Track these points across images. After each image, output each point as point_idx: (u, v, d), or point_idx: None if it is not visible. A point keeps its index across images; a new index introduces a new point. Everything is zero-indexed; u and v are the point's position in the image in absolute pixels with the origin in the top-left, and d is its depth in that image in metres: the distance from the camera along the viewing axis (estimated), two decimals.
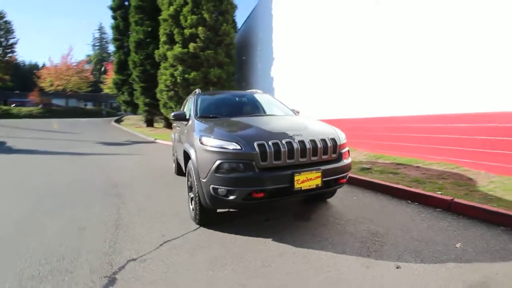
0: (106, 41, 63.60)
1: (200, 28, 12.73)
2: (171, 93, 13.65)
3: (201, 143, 2.48)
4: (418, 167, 4.81)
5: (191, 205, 2.99)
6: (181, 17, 13.19)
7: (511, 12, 3.97)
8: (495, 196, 3.21)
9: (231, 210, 3.16)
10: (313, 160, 2.43)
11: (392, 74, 5.97)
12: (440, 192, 3.38)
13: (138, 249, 2.34)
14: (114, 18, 20.48)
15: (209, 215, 2.67)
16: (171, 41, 13.86)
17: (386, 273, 1.89)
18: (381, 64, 6.27)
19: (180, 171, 5.21)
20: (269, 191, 2.26)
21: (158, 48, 14.50)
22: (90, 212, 3.30)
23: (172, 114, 3.50)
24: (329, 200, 3.49)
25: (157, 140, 13.73)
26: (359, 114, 6.78)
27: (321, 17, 8.61)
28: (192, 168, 2.63)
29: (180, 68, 13.16)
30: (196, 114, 3.36)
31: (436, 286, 1.73)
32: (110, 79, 38.50)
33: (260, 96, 4.25)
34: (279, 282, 1.83)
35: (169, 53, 13.19)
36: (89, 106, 43.75)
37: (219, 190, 2.30)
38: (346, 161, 2.65)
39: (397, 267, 1.95)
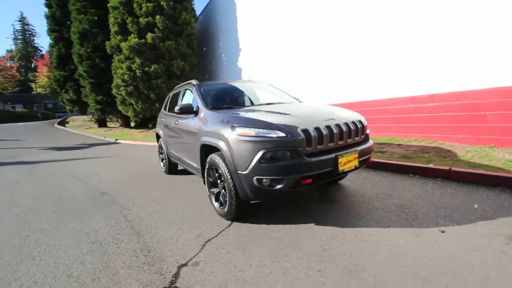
0: (30, 34, 55.07)
1: (157, 17, 11.83)
2: (130, 88, 12.53)
3: (237, 133, 2.34)
4: (400, 144, 5.29)
5: (215, 202, 2.83)
6: (135, 5, 12.09)
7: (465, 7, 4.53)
8: (477, 162, 3.71)
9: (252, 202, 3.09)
10: (348, 142, 2.49)
11: (366, 61, 6.38)
12: (432, 164, 3.79)
13: (181, 253, 2.14)
14: (49, 6, 17.76)
15: (244, 209, 2.56)
16: (124, 31, 12.63)
17: (437, 238, 2.06)
18: (354, 50, 6.63)
19: (173, 170, 4.88)
20: (316, 176, 2.25)
21: (109, 39, 13.08)
22: (94, 223, 2.90)
23: (178, 107, 3.21)
24: (340, 182, 3.64)
25: (119, 141, 12.56)
26: (337, 100, 7.13)
27: (291, 5, 8.68)
28: (223, 161, 2.48)
29: (138, 60, 12.11)
30: (207, 106, 3.15)
31: (484, 242, 1.95)
32: (42, 76, 33.60)
33: (261, 85, 4.16)
34: (350, 262, 1.86)
35: (123, 45, 12.01)
36: (19, 108, 37.81)
37: (264, 180, 2.21)
38: (371, 141, 2.79)
39: (442, 232, 2.15)
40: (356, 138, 2.58)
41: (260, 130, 2.26)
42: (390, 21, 5.81)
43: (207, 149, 2.89)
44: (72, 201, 3.78)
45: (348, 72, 6.86)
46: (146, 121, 17.69)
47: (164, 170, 5.05)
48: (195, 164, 3.36)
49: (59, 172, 5.87)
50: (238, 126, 2.37)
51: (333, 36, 7.21)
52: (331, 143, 2.36)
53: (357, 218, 2.51)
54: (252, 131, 2.27)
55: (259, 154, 2.19)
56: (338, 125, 2.41)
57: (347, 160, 2.36)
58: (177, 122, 3.84)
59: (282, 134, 2.20)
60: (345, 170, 2.35)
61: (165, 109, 5.11)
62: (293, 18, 8.58)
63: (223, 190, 2.68)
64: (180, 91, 4.24)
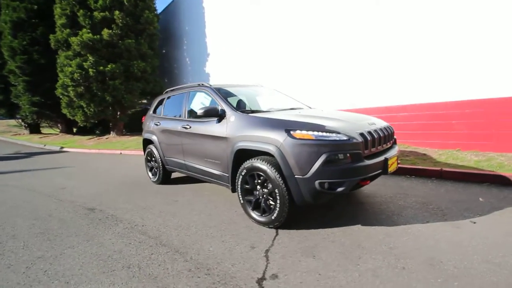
0: None
1: (116, 12, 10.85)
2: (81, 89, 11.07)
3: (294, 137, 2.28)
4: None
5: (252, 210, 2.68)
6: None
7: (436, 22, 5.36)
8: (452, 163, 4.34)
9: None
10: (387, 145, 2.67)
11: (342, 71, 6.93)
12: (419, 165, 4.30)
13: (248, 267, 1.96)
14: None
15: (292, 214, 2.49)
16: (73, 25, 11.19)
17: (474, 228, 2.34)
18: (331, 60, 7.15)
19: (166, 179, 4.45)
20: (371, 178, 2.34)
21: (52, 32, 11.36)
22: (109, 244, 2.45)
23: (202, 110, 2.96)
24: None
25: (66, 149, 10.88)
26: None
27: (266, 10, 8.88)
28: (271, 166, 2.37)
29: (91, 58, 10.83)
30: (236, 109, 2.99)
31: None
32: None
33: (269, 90, 4.13)
34: (423, 256, 1.95)
35: (73, 39, 10.61)
36: None
37: (326, 183, 2.20)
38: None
39: (474, 223, 2.44)
40: (390, 142, 2.78)
41: (320, 133, 2.25)
42: (365, 41, 6.46)
43: (243, 155, 2.74)
44: (56, 221, 3.13)
45: (324, 82, 7.33)
46: (93, 127, 15.79)
47: (154, 180, 4.55)
48: (216, 171, 3.14)
49: (13, 187, 4.80)
50: (295, 129, 2.32)
51: (310, 43, 7.64)
52: (379, 146, 2.49)
53: (395, 216, 2.68)
54: (311, 134, 2.24)
55: (323, 157, 2.17)
56: (381, 129, 2.57)
57: (392, 162, 2.52)
58: (187, 126, 3.53)
59: (344, 137, 2.23)
60: (390, 171, 2.51)
61: (154, 113, 4.67)
62: (270, 24, 8.80)
63: (265, 197, 2.56)
64: (184, 93, 3.93)
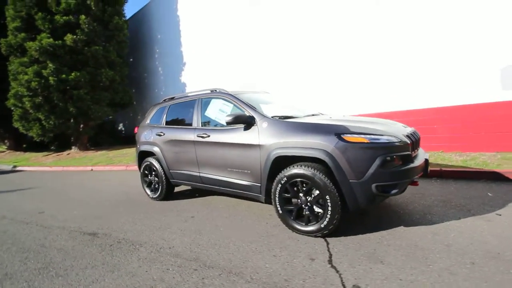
0: None
1: (82, 16, 10.04)
2: (39, 99, 9.83)
3: (347, 141, 2.23)
4: None
5: (293, 220, 2.55)
6: None
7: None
8: (443, 163, 4.72)
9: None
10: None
11: (321, 84, 7.23)
12: None
13: (322, 281, 1.82)
14: None
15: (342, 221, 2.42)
16: (30, 28, 10.06)
17: (502, 220, 2.52)
18: (316, 68, 7.43)
19: (169, 194, 4.07)
20: (415, 179, 2.39)
21: (5, 36, 9.98)
22: (140, 275, 2.10)
23: (231, 117, 2.77)
24: None
25: (20, 168, 9.45)
26: None
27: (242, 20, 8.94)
28: (319, 172, 2.30)
29: (51, 65, 9.76)
30: (265, 115, 2.86)
31: None
32: None
33: (281, 97, 4.09)
34: (481, 251, 2.01)
35: (30, 44, 9.50)
36: None
37: (381, 186, 2.18)
38: None
39: (499, 215, 2.64)
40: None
41: (372, 136, 2.25)
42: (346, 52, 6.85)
43: (278, 163, 2.62)
44: (56, 252, 2.62)
45: (307, 88, 7.56)
46: (48, 143, 14.05)
47: (154, 196, 4.13)
48: (245, 182, 2.95)
49: None
50: (345, 133, 2.28)
51: (298, 48, 7.85)
52: (416, 149, 2.58)
53: (428, 215, 2.77)
54: (365, 137, 2.23)
55: (378, 160, 2.16)
56: (413, 134, 2.67)
57: (428, 164, 2.63)
58: (204, 135, 3.29)
59: (395, 140, 2.26)
60: (429, 173, 2.61)
61: (151, 122, 4.30)
62: (254, 30, 8.87)
63: (309, 205, 2.46)
64: (193, 100, 3.67)
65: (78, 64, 10.16)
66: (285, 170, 2.56)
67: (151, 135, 4.14)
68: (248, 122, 2.86)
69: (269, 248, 2.35)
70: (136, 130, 4.65)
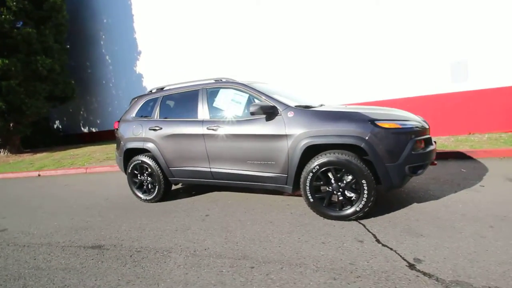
0: None
1: None
2: None
3: (381, 127, 2.36)
4: None
5: (326, 207, 2.61)
6: None
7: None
8: None
9: None
10: None
11: (294, 75, 7.48)
12: None
13: (383, 260, 1.92)
14: None
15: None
16: None
17: (488, 190, 3.02)
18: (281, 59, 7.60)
19: (167, 195, 3.73)
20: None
21: None
22: (193, 282, 1.91)
23: (256, 107, 2.65)
24: None
25: None
26: None
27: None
28: (354, 158, 2.40)
29: None
30: (289, 105, 2.81)
31: (504, 181, 3.09)
32: None
33: (283, 88, 4.04)
34: (490, 214, 2.40)
35: None
36: None
37: (412, 167, 2.39)
38: None
39: (483, 186, 3.15)
40: None
41: (402, 121, 2.43)
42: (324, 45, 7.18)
43: (305, 152, 2.64)
44: (63, 273, 2.18)
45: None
46: None
47: (149, 198, 3.72)
48: (268, 173, 2.88)
49: None
50: (379, 120, 2.41)
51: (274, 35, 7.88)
52: None
53: (429, 191, 3.14)
54: (397, 123, 2.40)
55: (410, 144, 2.36)
56: (425, 120, 2.97)
57: None
58: (216, 128, 3.08)
59: (419, 125, 2.48)
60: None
61: (138, 115, 3.85)
62: (232, 16, 8.54)
63: (341, 191, 2.54)
64: (196, 90, 3.38)
65: (7, 50, 8.34)
66: (315, 158, 2.59)
67: (142, 130, 3.69)
68: (271, 112, 2.79)
69: (312, 237, 2.37)
70: (116, 125, 4.09)
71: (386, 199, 3.06)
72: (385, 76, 6.59)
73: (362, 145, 2.40)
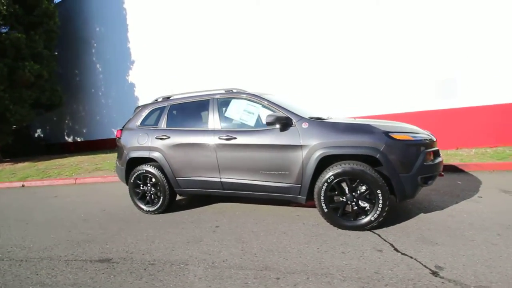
0: None
1: None
2: None
3: (395, 139, 2.46)
4: None
5: (340, 217, 2.65)
6: None
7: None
8: None
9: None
10: None
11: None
12: None
13: (405, 268, 1.96)
14: None
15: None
16: None
17: (486, 200, 3.17)
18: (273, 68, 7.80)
19: (171, 204, 3.63)
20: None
21: None
22: None
23: (272, 118, 2.71)
24: None
25: None
26: None
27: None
28: (368, 169, 2.48)
29: None
30: (303, 116, 2.88)
31: (500, 193, 3.27)
32: None
33: (288, 97, 4.13)
34: (495, 223, 2.51)
35: None
36: None
37: (423, 178, 2.49)
38: None
39: (481, 197, 3.31)
40: None
41: (413, 134, 2.56)
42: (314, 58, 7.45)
43: (321, 162, 2.69)
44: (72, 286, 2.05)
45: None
46: None
47: (152, 209, 3.60)
48: (281, 184, 2.89)
49: None
50: (393, 132, 2.52)
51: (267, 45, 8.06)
52: None
53: (433, 202, 3.27)
54: (410, 135, 2.52)
55: (422, 155, 2.47)
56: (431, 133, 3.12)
57: None
58: (229, 137, 3.08)
59: (428, 137, 2.62)
60: None
61: (143, 124, 3.79)
62: (223, 27, 8.68)
63: (355, 201, 2.60)
64: (205, 100, 3.39)
65: None
66: (330, 169, 2.64)
67: (147, 139, 3.62)
68: (285, 123, 2.84)
69: (330, 247, 2.38)
70: (118, 134, 3.99)
71: (393, 210, 3.14)
72: (375, 92, 6.90)
73: (378, 156, 2.48)
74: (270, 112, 2.89)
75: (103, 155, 9.53)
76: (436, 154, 2.71)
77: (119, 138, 3.95)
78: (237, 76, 8.32)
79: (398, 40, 6.59)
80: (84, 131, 12.54)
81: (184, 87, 9.51)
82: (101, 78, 11.54)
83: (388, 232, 2.57)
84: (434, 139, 2.75)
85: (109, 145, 11.50)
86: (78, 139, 12.75)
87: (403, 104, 6.58)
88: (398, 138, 2.51)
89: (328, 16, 7.25)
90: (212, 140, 3.19)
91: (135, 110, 4.06)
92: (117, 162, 4.06)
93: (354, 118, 4.38)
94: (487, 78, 5.97)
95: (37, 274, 2.30)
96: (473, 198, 3.35)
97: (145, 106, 3.95)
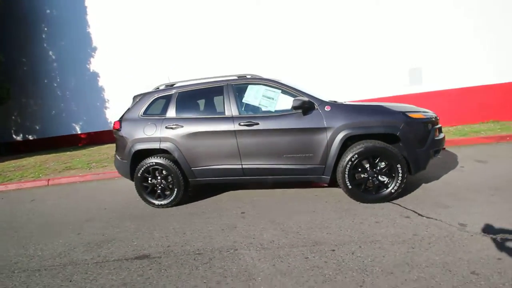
0: None
1: None
2: None
3: (412, 117, 2.74)
4: None
5: (365, 193, 2.89)
6: None
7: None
8: None
9: None
10: None
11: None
12: None
13: (438, 227, 2.26)
14: None
15: None
16: None
17: (467, 169, 3.73)
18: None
19: (184, 196, 3.51)
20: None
21: None
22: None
23: (298, 102, 2.79)
24: None
25: None
26: None
27: None
28: (391, 146, 2.75)
29: None
30: (324, 100, 3.00)
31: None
32: None
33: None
34: (487, 186, 3.00)
35: None
36: None
37: (434, 151, 2.84)
38: None
39: (462, 167, 3.86)
40: None
41: (424, 112, 2.87)
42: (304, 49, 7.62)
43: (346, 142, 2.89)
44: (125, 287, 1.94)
45: None
46: None
47: (165, 202, 3.43)
48: (305, 166, 3.02)
49: None
50: (409, 112, 2.80)
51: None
52: None
53: (430, 174, 3.71)
54: (422, 114, 2.83)
55: (433, 131, 2.81)
56: None
57: None
58: (250, 123, 3.07)
59: (434, 115, 2.96)
60: None
61: (146, 114, 3.56)
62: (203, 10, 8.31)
63: (376, 176, 2.85)
64: (219, 86, 3.30)
65: None
66: (352, 148, 2.85)
67: (156, 129, 3.42)
68: (308, 107, 2.95)
69: (363, 219, 2.60)
70: (117, 125, 3.68)
71: None
72: (354, 79, 7.38)
73: (398, 133, 2.75)
74: (296, 97, 2.96)
75: (68, 153, 8.59)
76: (440, 130, 3.09)
77: (118, 129, 3.65)
78: (219, 65, 8.13)
79: (372, 33, 7.09)
80: (37, 127, 11.09)
81: (161, 77, 9.02)
82: (56, 67, 10.22)
83: (405, 201, 2.89)
84: (437, 117, 3.13)
85: (71, 142, 10.41)
86: (30, 137, 11.25)
87: (379, 90, 7.16)
88: (414, 116, 2.81)
89: (317, 14, 7.44)
90: (232, 127, 3.16)
91: (134, 99, 3.77)
92: (117, 156, 3.76)
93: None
94: (445, 67, 6.80)
95: (71, 281, 2.10)
96: (457, 168, 3.89)
97: (147, 94, 3.69)
